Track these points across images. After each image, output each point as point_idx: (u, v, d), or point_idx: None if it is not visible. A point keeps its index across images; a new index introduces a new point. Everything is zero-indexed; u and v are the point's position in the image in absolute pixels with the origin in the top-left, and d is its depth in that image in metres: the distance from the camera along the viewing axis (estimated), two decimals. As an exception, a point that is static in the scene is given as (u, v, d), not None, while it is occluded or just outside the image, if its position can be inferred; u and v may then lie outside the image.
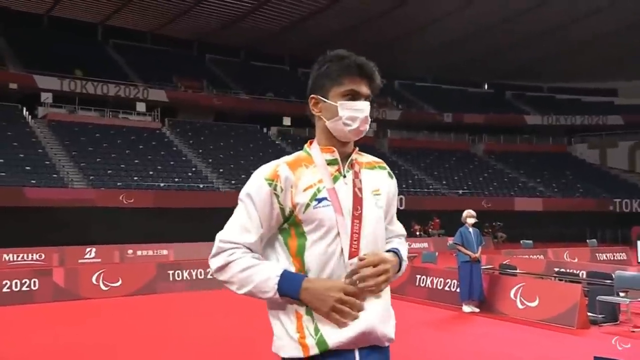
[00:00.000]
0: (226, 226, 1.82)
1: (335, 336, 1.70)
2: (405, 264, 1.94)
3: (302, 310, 1.73)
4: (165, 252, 18.95)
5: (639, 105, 41.31)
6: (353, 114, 1.80)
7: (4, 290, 10.66)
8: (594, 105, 41.97)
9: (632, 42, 34.93)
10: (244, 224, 1.77)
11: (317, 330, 1.71)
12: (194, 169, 27.21)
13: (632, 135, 39.53)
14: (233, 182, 25.27)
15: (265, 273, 1.73)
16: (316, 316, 1.72)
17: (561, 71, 40.81)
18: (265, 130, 33.97)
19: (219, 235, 1.81)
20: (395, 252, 1.89)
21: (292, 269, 1.76)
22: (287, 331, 1.75)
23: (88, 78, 29.64)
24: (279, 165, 1.80)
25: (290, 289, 1.71)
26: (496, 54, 37.09)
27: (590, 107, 41.69)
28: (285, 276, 1.72)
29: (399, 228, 2.04)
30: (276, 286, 1.70)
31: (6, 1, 30.83)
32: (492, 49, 36.25)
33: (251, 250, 1.78)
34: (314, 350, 1.70)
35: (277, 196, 1.76)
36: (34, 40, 31.69)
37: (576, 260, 16.51)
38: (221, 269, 1.77)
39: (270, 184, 1.76)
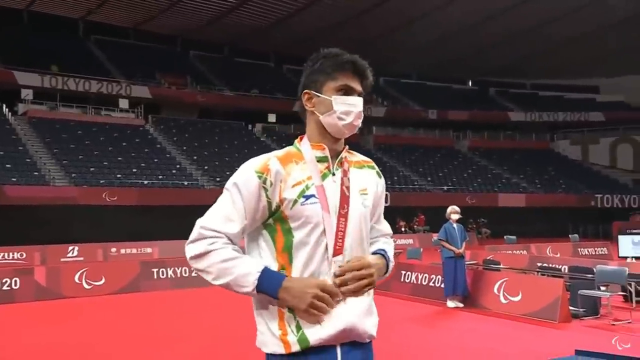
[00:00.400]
0: (208, 213, 1.80)
1: (316, 333, 1.71)
2: (392, 264, 1.95)
3: (284, 307, 1.74)
4: (149, 250, 18.81)
5: (620, 101, 41.95)
6: (347, 108, 1.82)
7: (-16, 289, 10.53)
8: (576, 102, 42.46)
9: (613, 39, 35.42)
10: (228, 213, 1.76)
11: (298, 327, 1.72)
12: (178, 166, 27.06)
13: (613, 132, 40.12)
14: (218, 179, 25.16)
15: (246, 268, 1.71)
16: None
17: (544, 68, 41.25)
18: (250, 127, 33.87)
19: (200, 222, 1.78)
20: (382, 253, 1.91)
21: (276, 265, 1.76)
22: (269, 328, 1.76)
23: (69, 74, 29.23)
24: (270, 159, 1.80)
25: (270, 287, 1.70)
26: (480, 51, 37.35)
27: (572, 103, 42.16)
28: (266, 273, 1.71)
29: (385, 227, 2.04)
30: (256, 282, 1.70)
31: (-16, -4, 30.38)
32: (476, 47, 36.50)
33: (232, 242, 1.76)
34: (295, 347, 1.71)
35: (266, 190, 1.75)
36: (14, 35, 31.19)
37: (558, 255, 16.69)
38: (199, 256, 1.74)
39: (260, 177, 1.76)
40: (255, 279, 1.70)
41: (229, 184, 1.80)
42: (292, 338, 1.72)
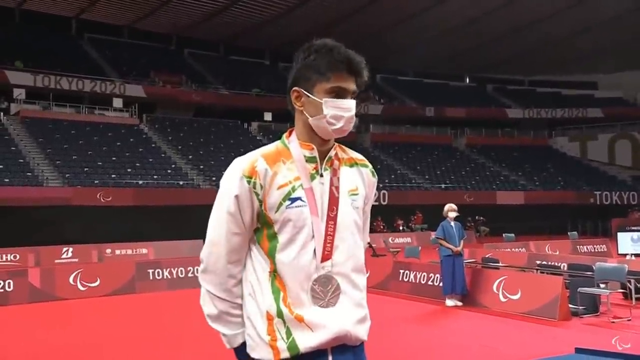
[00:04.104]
0: (211, 237, 1.79)
1: (307, 341, 1.66)
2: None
3: (273, 312, 1.69)
4: (144, 250, 18.76)
5: (618, 97, 42.07)
6: (338, 112, 1.72)
7: (-22, 292, 10.49)
8: (575, 98, 42.55)
9: (611, 35, 35.50)
10: (228, 230, 1.76)
11: (289, 333, 1.67)
12: (173, 166, 27.01)
13: (611, 128, 40.24)
14: (214, 178, 25.12)
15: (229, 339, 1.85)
16: (287, 319, 1.68)
17: (542, 64, 41.33)
18: (245, 125, 33.83)
19: (206, 255, 1.80)
20: None
21: (268, 269, 1.73)
22: (258, 333, 1.71)
23: (62, 73, 29.12)
24: (257, 160, 1.73)
25: (243, 356, 1.80)
26: (477, 47, 37.39)
27: (570, 100, 42.26)
28: (239, 352, 1.82)
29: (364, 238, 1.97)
30: (233, 347, 1.84)
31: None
32: (474, 43, 36.53)
33: (238, 261, 1.79)
34: (284, 354, 1.66)
35: (257, 194, 1.71)
36: (6, 34, 31.05)
37: (557, 252, 16.72)
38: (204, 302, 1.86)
39: (249, 182, 1.70)
40: (234, 347, 1.83)
41: (223, 196, 1.75)
42: (282, 344, 1.67)
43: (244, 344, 1.78)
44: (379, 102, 38.23)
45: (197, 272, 9.78)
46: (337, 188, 1.76)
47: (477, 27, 34.03)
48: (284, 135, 1.83)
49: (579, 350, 6.47)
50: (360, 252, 1.81)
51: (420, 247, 15.48)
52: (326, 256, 1.71)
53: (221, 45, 38.17)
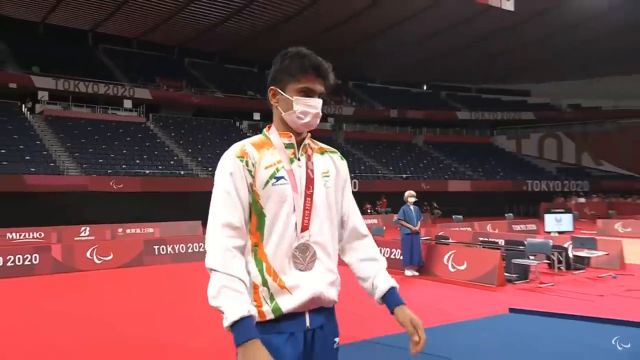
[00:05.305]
0: (213, 213, 1.67)
1: (288, 302, 1.65)
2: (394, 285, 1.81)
3: (258, 281, 1.67)
4: (151, 230, 18.55)
5: (546, 103, 42.76)
6: (306, 109, 1.73)
7: (9, 264, 10.35)
8: (511, 103, 43.06)
9: (541, 52, 36.05)
10: (229, 205, 1.66)
11: (272, 298, 1.66)
12: (175, 158, 26.67)
13: (541, 129, 40.95)
14: (210, 169, 24.91)
15: (234, 307, 1.55)
16: (271, 286, 1.66)
17: (486, 75, 41.71)
18: (237, 124, 33.51)
19: (212, 225, 1.65)
20: (403, 303, 1.78)
21: (250, 244, 1.69)
22: None
23: (80, 78, 28.49)
24: (245, 145, 1.74)
25: (237, 335, 1.53)
26: (433, 60, 37.56)
27: (508, 105, 42.75)
28: (244, 323, 1.54)
29: (359, 223, 1.87)
30: (231, 323, 1.53)
31: (6, 9, 29.35)
32: (430, 56, 36.67)
33: (241, 236, 1.66)
34: (269, 316, 1.65)
35: (249, 171, 1.69)
36: (32, 45, 30.30)
37: (496, 230, 16.95)
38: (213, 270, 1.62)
39: (241, 160, 1.69)
40: (232, 321, 1.53)
41: (219, 176, 1.69)
42: (267, 308, 1.66)
43: (244, 319, 1.55)
44: (351, 105, 38.19)
45: (196, 248, 9.70)
46: (312, 170, 1.76)
47: (433, 43, 34.13)
48: (264, 130, 1.84)
49: (512, 310, 6.63)
50: (332, 225, 1.79)
51: (384, 227, 15.55)
52: (304, 227, 1.70)
53: (216, 55, 37.62)
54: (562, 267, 9.66)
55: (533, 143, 40.81)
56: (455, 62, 38.09)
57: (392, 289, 1.79)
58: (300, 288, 1.67)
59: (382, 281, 1.80)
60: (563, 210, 19.09)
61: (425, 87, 45.50)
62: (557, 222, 17.20)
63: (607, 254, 10.05)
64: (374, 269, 1.83)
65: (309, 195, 1.72)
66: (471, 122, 40.99)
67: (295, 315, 1.67)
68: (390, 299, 1.78)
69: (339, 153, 1.91)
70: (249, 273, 1.67)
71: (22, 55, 28.99)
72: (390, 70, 40.45)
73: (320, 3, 28.92)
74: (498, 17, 27.15)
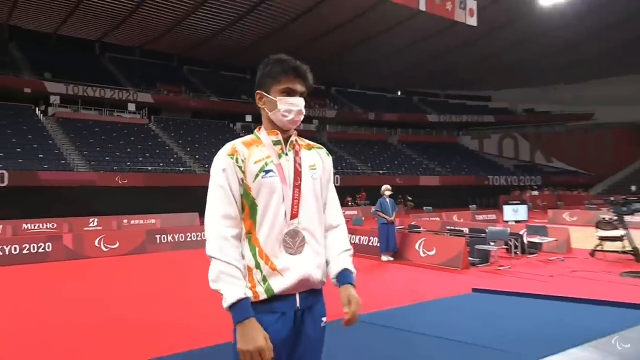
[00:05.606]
0: (210, 209, 1.65)
1: (280, 284, 1.64)
2: (354, 275, 1.77)
3: (252, 265, 1.66)
4: (153, 221, 18.34)
5: (505, 108, 43.31)
6: (289, 107, 1.71)
7: (25, 252, 10.21)
8: (475, 107, 43.44)
9: (501, 63, 36.44)
10: (224, 200, 1.65)
11: (265, 280, 1.64)
12: (175, 156, 26.37)
13: (500, 130, 41.49)
14: (206, 166, 24.66)
15: (233, 290, 1.56)
16: (264, 269, 1.65)
17: (453, 83, 42.02)
18: (232, 125, 33.21)
19: (209, 219, 1.64)
20: (351, 283, 1.74)
21: (245, 231, 1.68)
22: None
23: (88, 84, 27.97)
24: (236, 144, 1.73)
25: (236, 315, 1.55)
26: (407, 69, 37.69)
27: (472, 109, 43.11)
28: (242, 304, 1.55)
29: (334, 217, 1.83)
30: (230, 304, 1.55)
31: (22, 22, 28.84)
32: (404, 66, 36.78)
33: (236, 226, 1.65)
34: (263, 297, 1.64)
35: (240, 167, 1.67)
36: (45, 53, 29.65)
37: (462, 220, 17.19)
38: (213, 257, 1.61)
39: (232, 158, 1.68)
40: (231, 303, 1.55)
41: (214, 173, 1.67)
42: (260, 289, 1.64)
43: (241, 301, 1.56)
44: (334, 108, 38.14)
45: (194, 238, 9.60)
46: (300, 164, 1.75)
47: (406, 54, 34.23)
48: (255, 130, 1.83)
49: (475, 290, 6.71)
50: (320, 213, 1.79)
51: (363, 218, 15.63)
52: (294, 215, 1.69)
53: (213, 63, 37.20)
54: (518, 252, 9.80)
55: (493, 143, 41.35)
56: (426, 71, 38.30)
57: (344, 270, 1.76)
58: (291, 270, 1.65)
59: (338, 263, 1.77)
60: (519, 202, 19.25)
61: (399, 93, 45.66)
62: (514, 213, 17.44)
63: (557, 240, 10.25)
64: (336, 254, 1.79)
65: (297, 186, 1.71)
66: (440, 124, 41.27)
67: (287, 296, 1.66)
68: (340, 278, 1.75)
69: (325, 149, 1.90)
70: (243, 257, 1.67)
71: (36, 63, 28.36)
72: (369, 78, 40.48)
73: (305, 18, 28.79)
74: (463, 32, 27.33)
